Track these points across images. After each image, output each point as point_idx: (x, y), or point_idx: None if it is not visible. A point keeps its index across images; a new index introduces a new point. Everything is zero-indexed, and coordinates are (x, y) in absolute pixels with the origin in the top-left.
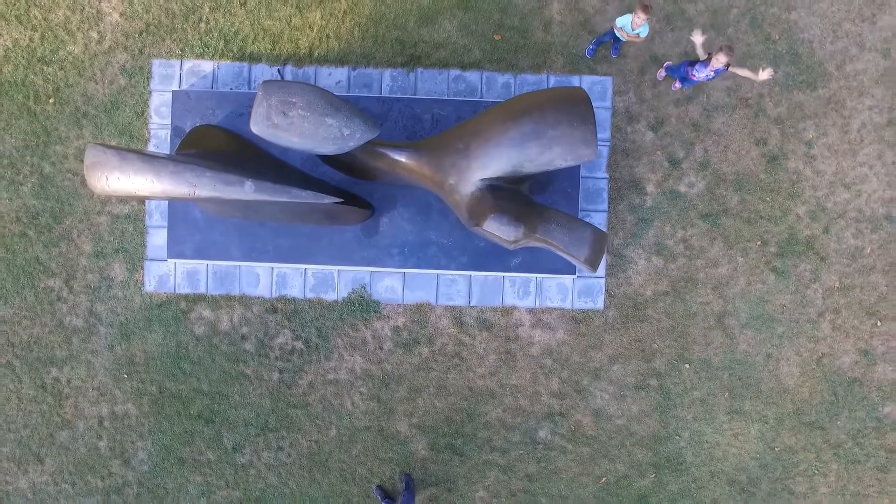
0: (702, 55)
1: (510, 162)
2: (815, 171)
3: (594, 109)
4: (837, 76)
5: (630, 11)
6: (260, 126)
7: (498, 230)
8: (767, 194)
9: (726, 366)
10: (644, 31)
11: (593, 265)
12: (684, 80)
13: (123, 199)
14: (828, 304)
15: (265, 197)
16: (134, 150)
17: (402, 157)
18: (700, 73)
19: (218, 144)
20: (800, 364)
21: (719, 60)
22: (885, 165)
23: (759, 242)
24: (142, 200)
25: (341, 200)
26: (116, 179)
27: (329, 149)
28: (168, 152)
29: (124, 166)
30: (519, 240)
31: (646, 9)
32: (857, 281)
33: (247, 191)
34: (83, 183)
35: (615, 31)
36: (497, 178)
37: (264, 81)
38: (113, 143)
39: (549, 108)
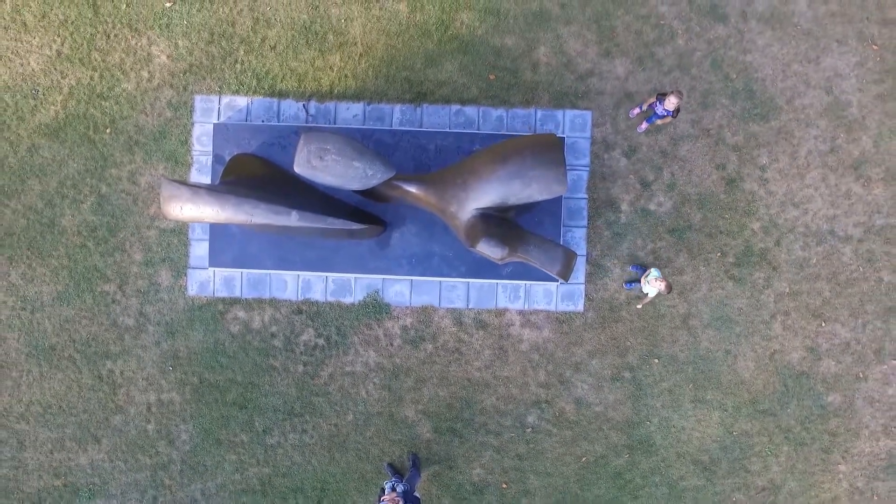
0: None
1: (498, 195)
2: (768, 192)
3: (577, 139)
4: (787, 109)
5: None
6: (302, 168)
7: (487, 250)
8: (726, 212)
9: (691, 360)
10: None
11: (564, 277)
12: (649, 118)
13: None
14: (779, 308)
15: (307, 224)
16: (203, 186)
17: (412, 189)
18: (658, 108)
19: (254, 170)
20: (755, 359)
21: (671, 102)
22: (828, 187)
23: (718, 254)
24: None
25: (365, 227)
26: (189, 209)
27: (356, 186)
28: (210, 176)
29: (195, 199)
30: (504, 258)
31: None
32: (805, 287)
33: (293, 219)
34: (135, 201)
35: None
36: (488, 208)
37: (305, 131)
38: (160, 167)
39: (529, 152)
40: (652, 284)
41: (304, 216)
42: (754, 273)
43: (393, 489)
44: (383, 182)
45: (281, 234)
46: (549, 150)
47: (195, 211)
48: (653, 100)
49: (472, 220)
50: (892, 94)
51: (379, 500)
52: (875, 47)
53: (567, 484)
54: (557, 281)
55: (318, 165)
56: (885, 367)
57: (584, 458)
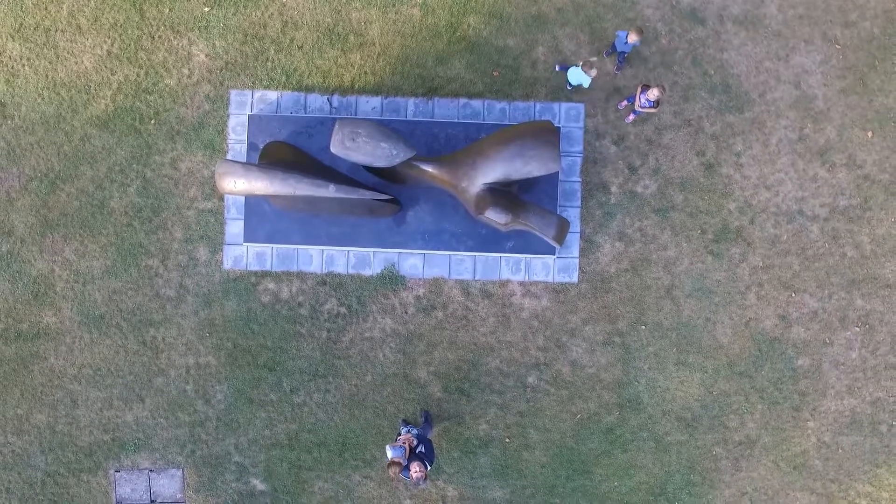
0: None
1: (503, 172)
2: (743, 176)
3: (571, 128)
4: (760, 102)
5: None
6: (337, 148)
7: (494, 216)
8: (705, 194)
9: (674, 327)
10: (586, 82)
11: (559, 241)
12: (635, 111)
13: (218, 196)
14: (753, 280)
15: (342, 195)
16: (254, 164)
17: (429, 168)
18: (641, 99)
19: (285, 155)
20: (732, 326)
21: (653, 93)
22: (797, 172)
23: (699, 231)
24: (245, 195)
25: (387, 200)
26: (242, 183)
27: (383, 164)
28: (245, 160)
29: (248, 175)
30: (508, 223)
31: (590, 65)
32: (776, 261)
33: (331, 191)
34: (176, 185)
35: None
36: (494, 183)
37: (339, 118)
38: (199, 154)
39: (529, 136)
40: (587, 73)
41: (341, 188)
42: (731, 249)
43: (408, 432)
44: (404, 162)
45: (309, 212)
46: (545, 134)
47: (247, 185)
48: (640, 87)
49: (480, 193)
50: (854, 88)
51: (395, 441)
52: (838, 46)
53: (564, 438)
54: (555, 252)
55: (350, 146)
56: (849, 333)
57: (578, 415)
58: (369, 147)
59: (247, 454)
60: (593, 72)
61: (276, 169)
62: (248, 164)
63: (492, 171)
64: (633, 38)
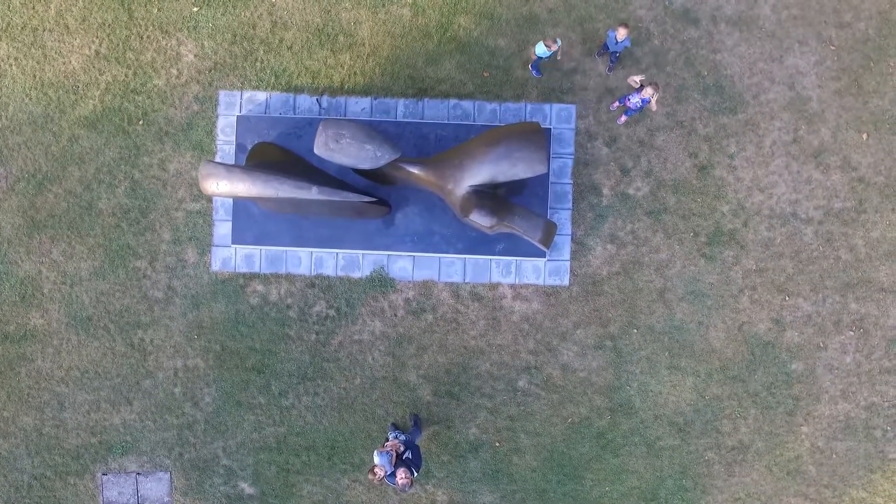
0: (635, 85)
1: (489, 174)
2: (737, 178)
3: (562, 130)
4: (753, 104)
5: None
6: (321, 150)
7: (479, 219)
8: (698, 196)
9: (666, 331)
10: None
11: (545, 245)
12: (627, 111)
13: (206, 198)
14: (746, 283)
15: (325, 197)
16: (237, 166)
17: (415, 170)
18: (633, 99)
19: (274, 156)
20: (725, 330)
21: (647, 92)
22: (791, 174)
23: (691, 234)
24: (232, 198)
25: (376, 200)
26: (224, 185)
27: (367, 165)
28: (233, 162)
29: (230, 176)
30: (494, 226)
31: (554, 41)
32: (770, 265)
33: (313, 193)
34: (164, 186)
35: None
36: (480, 185)
37: (323, 120)
38: (188, 155)
39: (516, 137)
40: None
41: (323, 190)
42: (724, 251)
43: (396, 438)
44: (389, 163)
45: (297, 213)
46: (533, 136)
47: (229, 187)
48: (638, 83)
49: (466, 195)
50: (849, 89)
51: (382, 446)
52: (833, 47)
53: (554, 443)
54: (544, 255)
55: (334, 148)
56: (843, 337)
57: (569, 420)
58: (353, 149)
59: (235, 457)
60: (553, 44)
61: (258, 171)
62: (231, 166)
63: (478, 173)
64: (620, 34)
